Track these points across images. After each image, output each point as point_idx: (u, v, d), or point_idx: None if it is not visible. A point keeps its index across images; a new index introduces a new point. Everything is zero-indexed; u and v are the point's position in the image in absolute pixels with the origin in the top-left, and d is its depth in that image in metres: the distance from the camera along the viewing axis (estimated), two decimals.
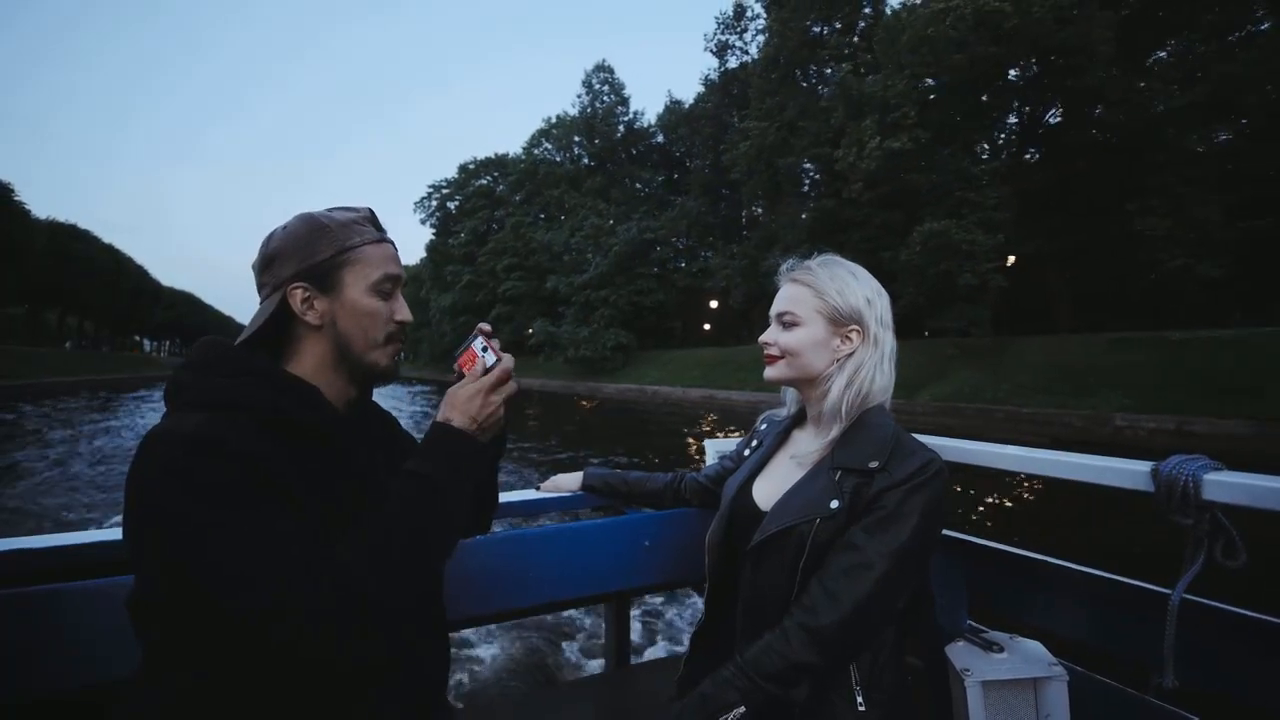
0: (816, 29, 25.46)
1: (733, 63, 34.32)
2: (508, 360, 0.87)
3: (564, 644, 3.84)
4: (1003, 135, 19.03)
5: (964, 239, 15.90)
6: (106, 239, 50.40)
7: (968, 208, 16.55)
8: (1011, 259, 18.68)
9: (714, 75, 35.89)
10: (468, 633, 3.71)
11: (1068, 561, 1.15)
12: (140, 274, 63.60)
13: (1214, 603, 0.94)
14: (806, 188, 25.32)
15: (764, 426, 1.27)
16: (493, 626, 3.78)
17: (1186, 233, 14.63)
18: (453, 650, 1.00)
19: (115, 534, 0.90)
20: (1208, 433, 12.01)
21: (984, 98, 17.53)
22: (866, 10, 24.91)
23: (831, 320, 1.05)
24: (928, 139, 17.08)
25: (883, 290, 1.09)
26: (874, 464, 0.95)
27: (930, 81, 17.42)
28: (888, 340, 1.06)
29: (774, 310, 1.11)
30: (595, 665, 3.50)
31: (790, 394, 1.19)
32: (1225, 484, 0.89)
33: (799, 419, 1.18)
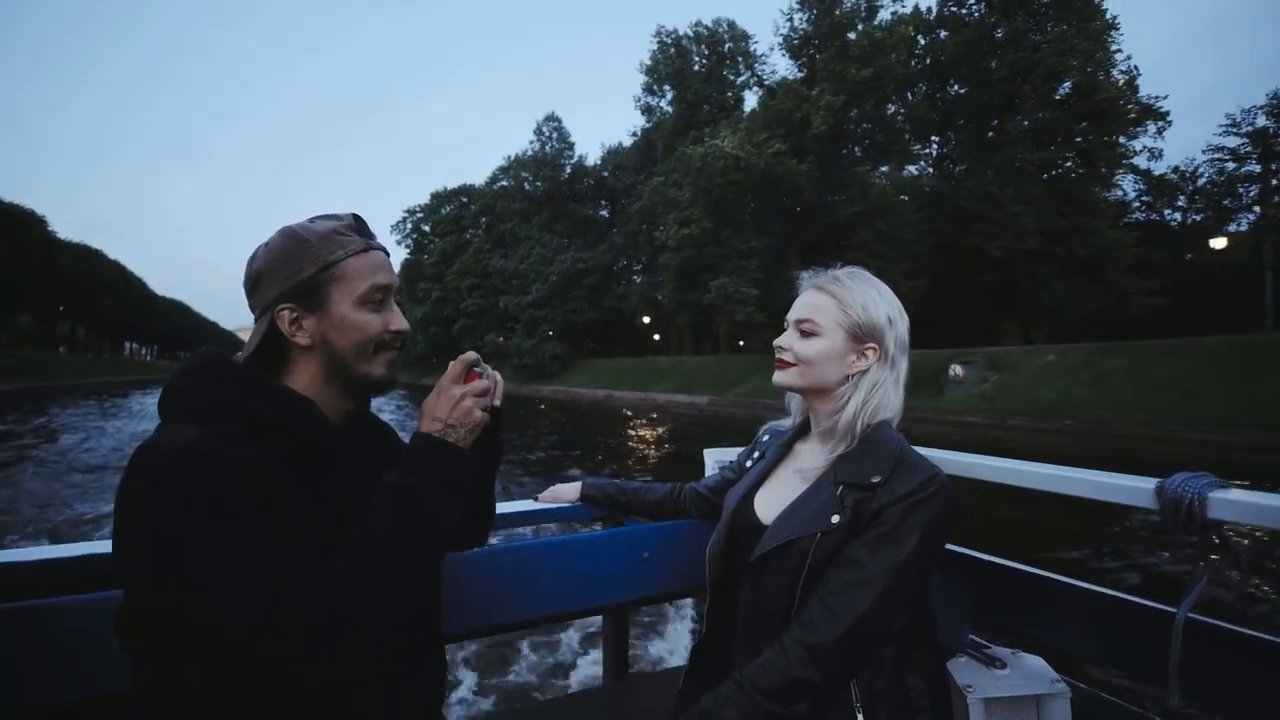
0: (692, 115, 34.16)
1: (656, 118, 41.53)
2: (493, 375, 0.94)
3: (562, 656, 3.81)
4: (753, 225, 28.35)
5: (734, 291, 25.78)
6: (98, 241, 57.46)
7: (740, 271, 26.39)
8: None
9: (638, 132, 43.60)
10: (465, 645, 3.72)
11: (1072, 578, 1.14)
12: (141, 286, 70.63)
13: (1219, 622, 0.93)
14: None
15: (766, 438, 1.23)
16: (490, 639, 3.78)
17: None
18: (449, 663, 1.04)
19: (107, 546, 0.85)
20: None
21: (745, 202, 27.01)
22: (731, 106, 33.56)
23: (851, 335, 1.03)
24: (711, 227, 26.53)
25: (904, 312, 1.06)
26: (876, 479, 0.93)
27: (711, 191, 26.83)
28: (903, 363, 1.04)
29: (793, 316, 1.07)
30: (593, 678, 3.46)
31: (795, 404, 1.16)
32: (1230, 502, 0.87)
33: (802, 430, 1.15)
